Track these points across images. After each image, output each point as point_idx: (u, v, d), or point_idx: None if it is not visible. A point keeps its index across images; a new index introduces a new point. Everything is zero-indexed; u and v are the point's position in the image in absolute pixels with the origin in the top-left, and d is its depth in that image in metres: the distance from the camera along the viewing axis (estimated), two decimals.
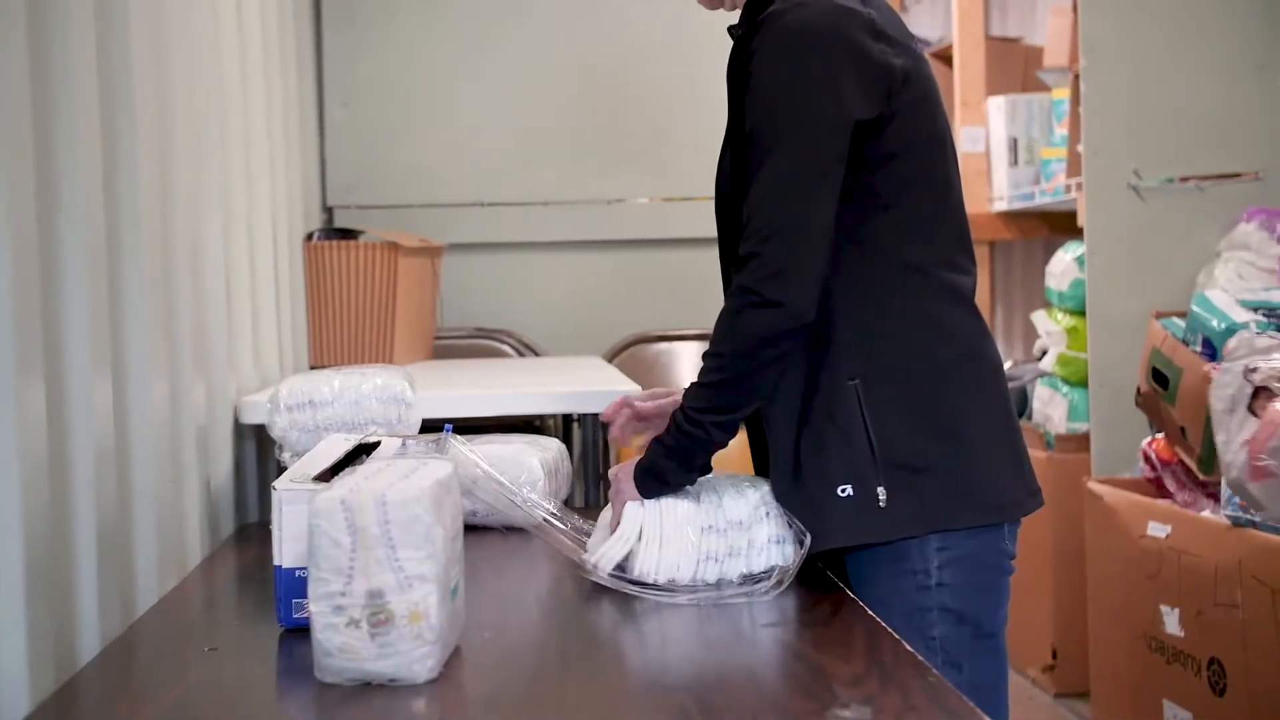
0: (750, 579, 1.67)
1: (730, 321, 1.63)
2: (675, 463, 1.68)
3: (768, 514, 1.70)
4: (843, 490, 1.66)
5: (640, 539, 1.66)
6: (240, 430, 2.41)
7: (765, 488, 1.72)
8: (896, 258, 1.68)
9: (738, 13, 1.80)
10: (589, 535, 1.79)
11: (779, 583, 1.65)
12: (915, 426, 1.67)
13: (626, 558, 1.68)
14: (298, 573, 1.50)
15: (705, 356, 1.66)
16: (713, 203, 1.86)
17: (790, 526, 1.69)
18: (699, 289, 2.05)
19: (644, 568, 1.66)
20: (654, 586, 1.65)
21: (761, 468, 1.80)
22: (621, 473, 1.72)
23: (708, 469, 1.74)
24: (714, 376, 1.65)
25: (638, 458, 1.73)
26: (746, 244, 1.62)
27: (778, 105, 1.62)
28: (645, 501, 1.69)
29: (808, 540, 1.67)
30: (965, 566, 1.68)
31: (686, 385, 1.70)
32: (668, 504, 1.68)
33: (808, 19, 1.62)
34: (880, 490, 1.65)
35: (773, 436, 1.71)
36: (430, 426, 2.06)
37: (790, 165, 1.61)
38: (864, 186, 1.65)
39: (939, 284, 1.70)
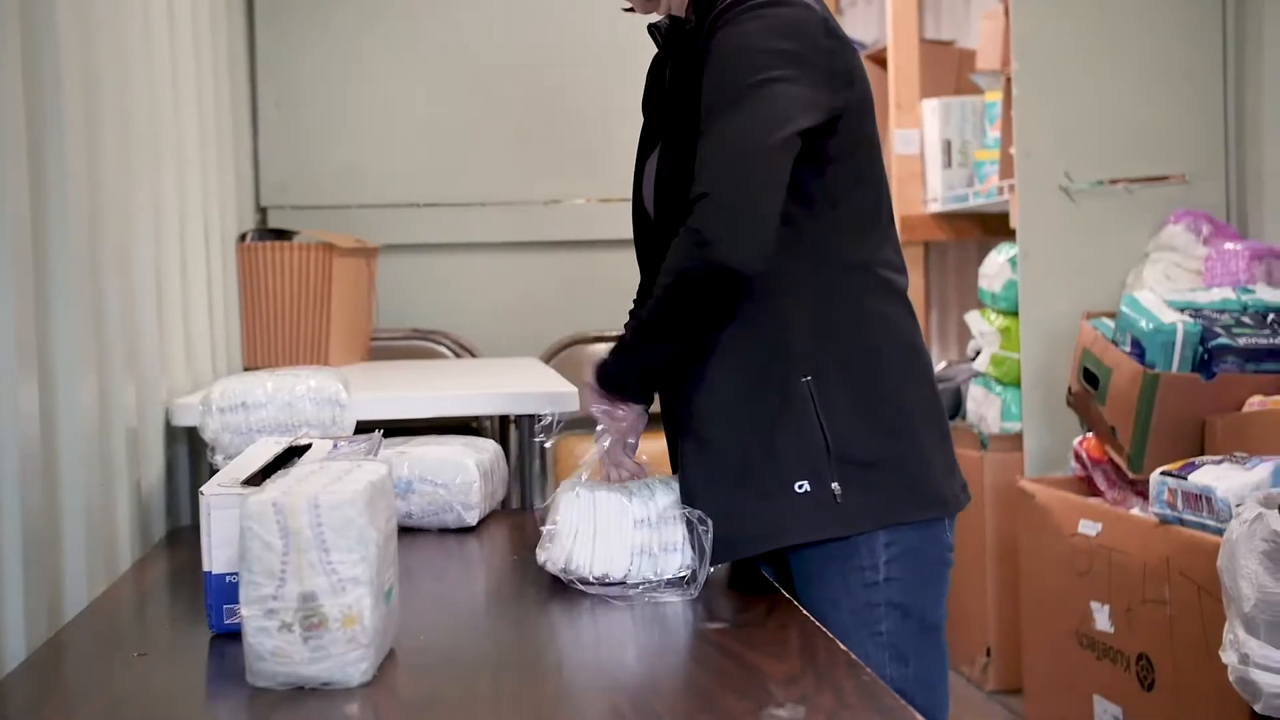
0: (688, 577, 1.68)
1: (674, 254, 1.63)
2: (620, 369, 1.73)
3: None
4: (799, 486, 1.66)
5: (575, 535, 1.66)
6: (172, 433, 2.38)
7: (669, 484, 1.73)
8: (841, 256, 1.70)
9: (655, 15, 1.82)
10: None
11: (689, 580, 1.66)
12: (867, 422, 1.69)
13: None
14: (228, 578, 1.49)
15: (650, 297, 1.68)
16: (633, 211, 1.86)
17: (696, 524, 1.68)
18: (635, 290, 2.04)
19: (579, 562, 1.66)
20: (593, 582, 1.65)
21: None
22: (585, 387, 1.77)
23: (650, 398, 1.78)
24: (656, 304, 1.66)
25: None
26: (699, 185, 1.60)
27: (739, 74, 1.61)
28: (580, 494, 1.70)
29: (709, 534, 1.67)
30: (911, 561, 1.70)
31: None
32: (601, 498, 1.69)
33: (766, 9, 1.63)
34: (835, 485, 1.66)
35: (710, 439, 1.71)
36: (365, 428, 2.04)
37: (749, 122, 1.60)
38: (813, 185, 1.66)
39: (879, 281, 1.73)
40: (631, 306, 2.04)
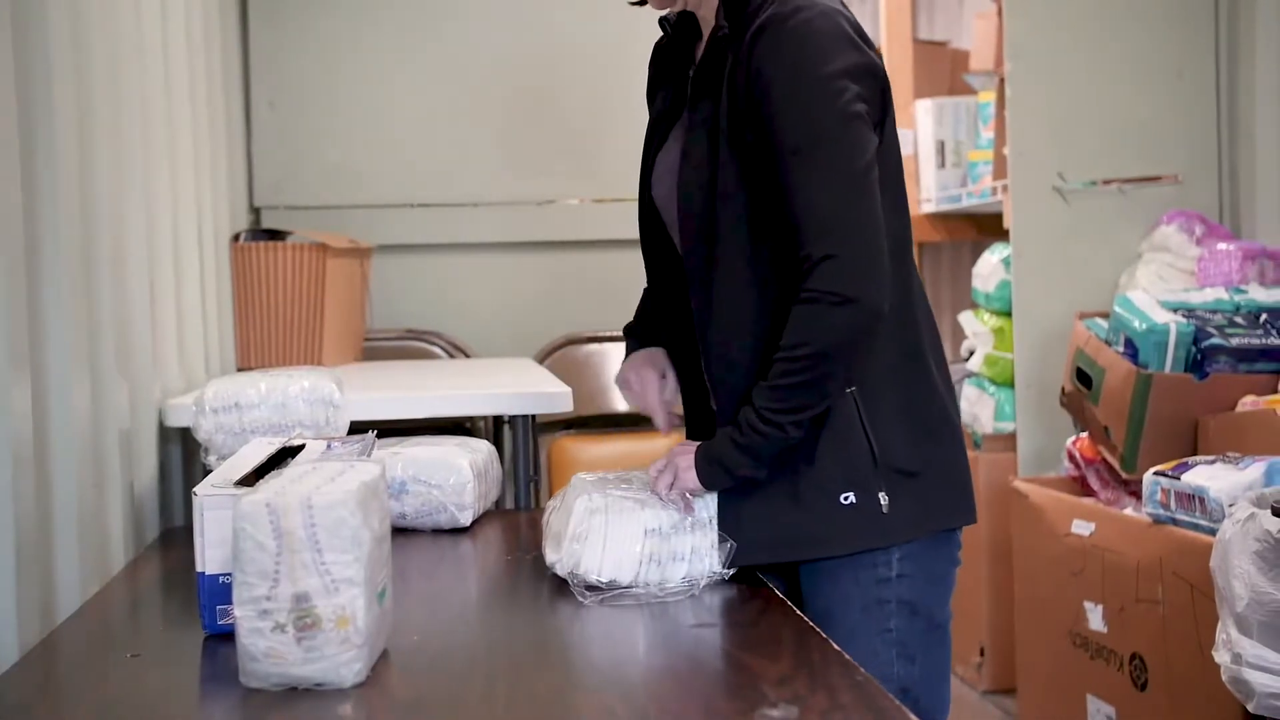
0: (690, 583, 1.68)
1: (811, 323, 1.59)
2: (750, 459, 1.65)
3: (710, 520, 1.70)
4: (845, 498, 1.66)
5: (585, 540, 1.66)
6: (165, 433, 2.38)
7: (711, 495, 1.72)
8: None
9: (665, 9, 1.80)
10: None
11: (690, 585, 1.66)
12: (909, 430, 1.69)
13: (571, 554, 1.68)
14: (221, 579, 1.49)
15: (780, 360, 1.61)
16: (639, 200, 1.85)
17: (723, 539, 1.69)
18: (630, 290, 2.04)
19: (587, 566, 1.66)
20: (599, 587, 1.66)
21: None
22: (681, 459, 1.68)
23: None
24: (795, 379, 1.61)
25: (696, 442, 1.70)
26: (818, 246, 1.58)
27: (812, 109, 1.60)
28: (593, 499, 1.69)
29: (730, 548, 1.68)
30: (923, 559, 1.71)
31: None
32: (614, 504, 1.69)
33: (815, 24, 1.62)
34: (882, 496, 1.67)
35: None
36: (359, 429, 2.04)
37: (842, 164, 1.60)
38: None
39: (908, 285, 1.73)
40: (641, 297, 2.00)
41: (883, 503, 1.66)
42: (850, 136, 1.61)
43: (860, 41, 1.65)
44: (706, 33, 1.76)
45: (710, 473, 1.67)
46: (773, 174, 1.63)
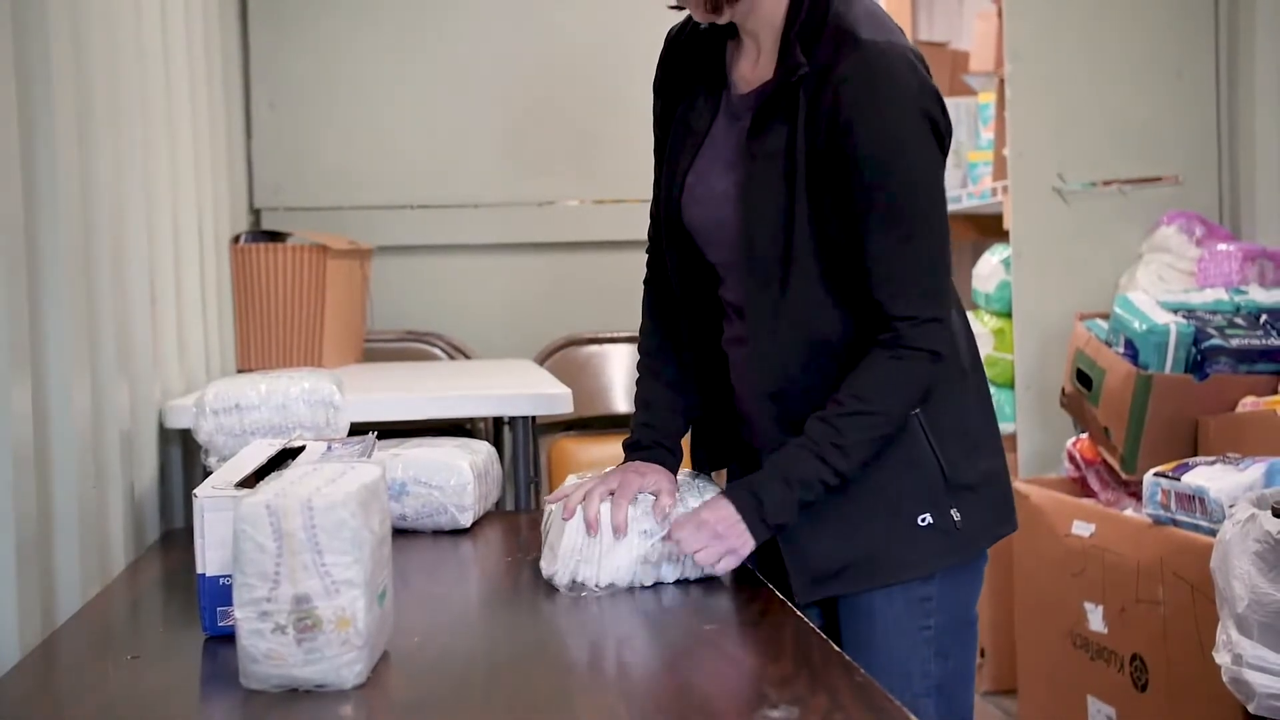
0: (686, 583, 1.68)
1: (907, 377, 1.63)
2: (802, 511, 1.65)
3: None
4: (923, 520, 1.68)
5: (581, 549, 1.66)
6: (165, 435, 2.38)
7: (711, 490, 1.72)
8: None
9: (715, 21, 1.70)
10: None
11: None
12: (967, 444, 1.71)
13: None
14: (222, 581, 1.48)
15: (861, 414, 1.62)
16: (664, 216, 1.79)
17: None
18: (629, 291, 2.03)
19: (585, 575, 1.66)
20: (597, 591, 1.66)
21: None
22: (726, 528, 1.63)
23: None
24: (883, 430, 1.64)
25: (719, 505, 1.65)
26: (923, 306, 1.62)
27: (913, 174, 1.62)
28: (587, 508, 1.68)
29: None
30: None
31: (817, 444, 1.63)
32: (607, 510, 1.68)
33: (901, 73, 1.60)
34: (954, 512, 1.69)
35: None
36: (359, 430, 2.04)
37: (939, 231, 1.65)
38: None
39: (955, 298, 1.74)
40: (642, 321, 1.94)
41: (955, 519, 1.68)
42: (942, 197, 1.66)
43: (931, 80, 1.65)
44: (754, 48, 1.71)
45: (759, 529, 1.64)
46: (856, 217, 1.62)
